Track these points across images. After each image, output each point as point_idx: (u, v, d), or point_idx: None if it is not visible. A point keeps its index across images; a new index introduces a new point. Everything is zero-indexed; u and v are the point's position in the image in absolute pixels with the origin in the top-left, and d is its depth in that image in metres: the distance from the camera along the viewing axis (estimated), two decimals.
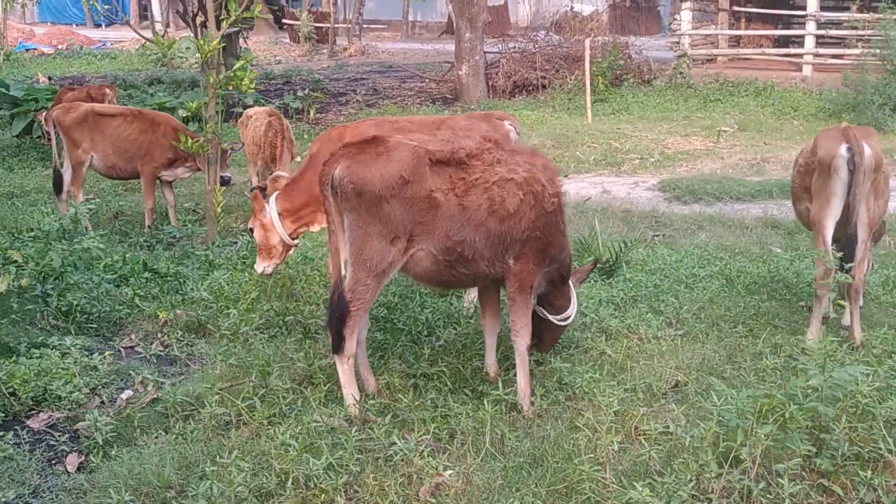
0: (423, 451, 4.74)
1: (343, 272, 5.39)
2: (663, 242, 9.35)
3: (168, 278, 7.98)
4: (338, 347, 5.38)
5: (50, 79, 24.13)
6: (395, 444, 4.74)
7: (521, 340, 5.67)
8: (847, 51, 19.97)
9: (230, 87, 10.19)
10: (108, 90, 15.34)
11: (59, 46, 36.78)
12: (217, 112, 10.21)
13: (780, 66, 21.59)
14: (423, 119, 9.18)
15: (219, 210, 9.95)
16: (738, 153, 14.58)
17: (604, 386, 5.47)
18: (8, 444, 5.08)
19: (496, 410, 5.25)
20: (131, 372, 6.22)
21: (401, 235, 5.30)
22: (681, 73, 21.37)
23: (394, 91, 24.44)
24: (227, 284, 7.66)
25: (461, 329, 6.62)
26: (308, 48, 37.85)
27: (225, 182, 10.36)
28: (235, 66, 10.01)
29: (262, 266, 7.22)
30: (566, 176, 13.66)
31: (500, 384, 5.46)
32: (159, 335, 6.97)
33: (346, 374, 5.44)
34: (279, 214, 7.10)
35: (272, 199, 7.25)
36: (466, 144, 5.56)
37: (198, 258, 8.82)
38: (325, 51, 37.11)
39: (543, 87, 22.54)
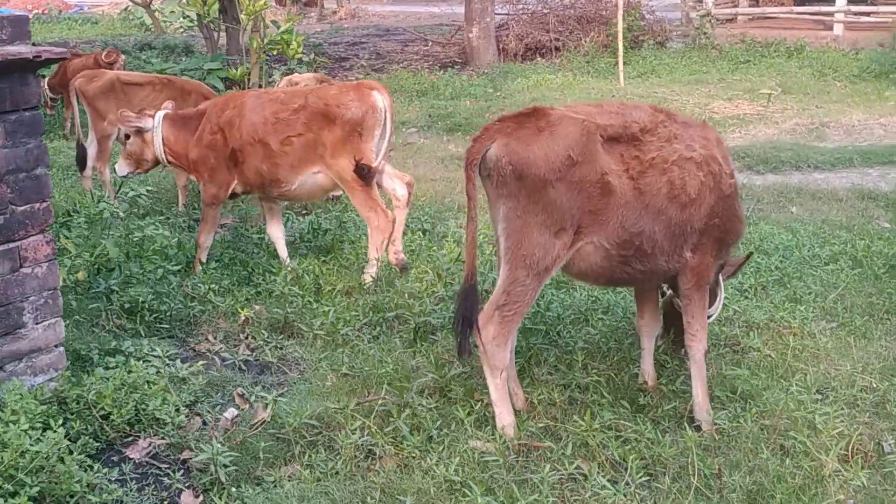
0: (632, 491, 3.92)
1: (474, 266, 4.57)
2: (757, 217, 8.55)
3: (235, 266, 7.07)
4: (463, 350, 4.57)
5: (35, 44, 22.85)
6: (602, 485, 3.92)
7: (698, 345, 4.86)
8: (881, 8, 19.17)
9: (274, 52, 9.26)
10: (117, 56, 14.25)
11: (36, 11, 35.25)
12: (261, 80, 9.30)
13: (805, 26, 20.80)
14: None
15: None
16: (791, 118, 13.78)
17: (792, 396, 4.69)
18: (112, 482, 4.22)
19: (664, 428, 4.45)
20: (225, 384, 5.36)
21: (567, 227, 4.46)
22: (704, 33, 20.52)
23: (398, 55, 23.39)
24: (306, 274, 6.78)
25: (596, 327, 5.79)
26: (295, 11, 36.62)
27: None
28: (281, 29, 9.09)
29: (124, 170, 7.34)
30: None
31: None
32: (242, 336, 6.09)
33: (500, 389, 4.61)
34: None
35: (159, 116, 7.17)
36: (639, 116, 4.73)
37: (254, 242, 7.92)
38: (312, 14, 35.88)
39: (557, 49, 21.62)
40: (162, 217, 8.10)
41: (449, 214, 9.05)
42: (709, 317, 5.34)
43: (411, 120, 15.26)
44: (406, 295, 6.36)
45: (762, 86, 16.09)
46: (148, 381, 5.02)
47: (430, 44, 24.63)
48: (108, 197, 9.58)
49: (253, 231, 8.18)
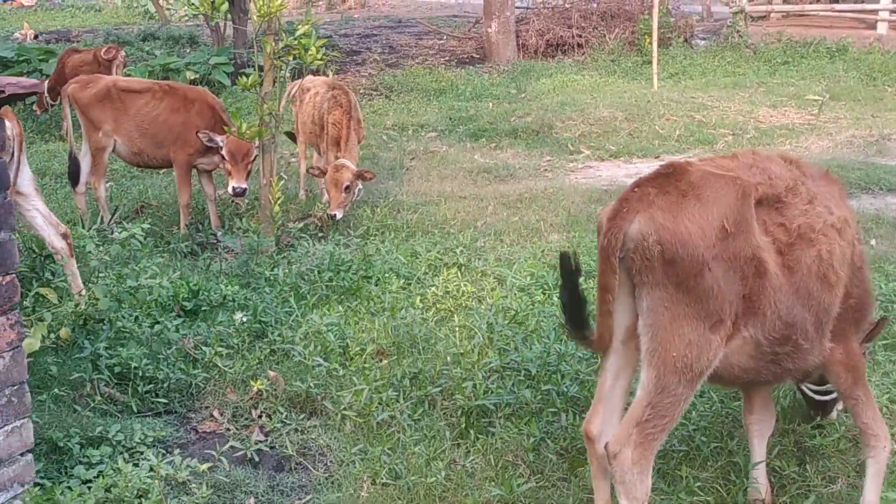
0: None
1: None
2: None
3: (247, 318, 6.02)
4: None
5: (37, 36, 21.83)
6: None
7: (882, 444, 3.96)
8: None
9: (291, 58, 8.19)
10: (117, 52, 13.22)
11: None
12: (275, 88, 8.23)
13: (846, 24, 19.63)
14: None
15: (276, 209, 8.02)
16: (846, 129, 12.69)
17: None
18: None
19: None
20: (235, 488, 4.32)
21: (725, 317, 3.49)
22: (737, 31, 19.40)
23: (412, 49, 22.32)
24: (328, 329, 5.74)
25: (688, 418, 4.75)
26: (303, 0, 35.45)
27: (238, 193, 8.45)
28: (298, 33, 8.00)
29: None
30: (657, 157, 11.82)
31: None
32: (255, 413, 5.05)
33: None
34: None
35: None
36: (778, 171, 3.73)
37: (267, 279, 6.89)
38: (321, 3, 34.70)
39: (580, 46, 20.55)
40: (160, 256, 7.04)
41: (485, 242, 8.02)
42: (830, 392, 4.39)
43: (431, 122, 14.24)
44: (449, 360, 5.32)
45: (807, 91, 15.01)
46: (138, 491, 4.00)
47: (446, 37, 23.54)
48: (103, 217, 8.59)
49: (265, 265, 7.14)
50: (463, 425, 4.69)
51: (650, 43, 18.23)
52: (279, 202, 8.00)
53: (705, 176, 3.52)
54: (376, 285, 6.76)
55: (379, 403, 4.88)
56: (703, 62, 18.24)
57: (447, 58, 21.17)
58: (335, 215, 8.27)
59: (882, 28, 18.41)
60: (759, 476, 4.14)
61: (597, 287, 3.51)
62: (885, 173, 9.89)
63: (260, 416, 5.01)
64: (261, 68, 8.13)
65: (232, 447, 4.69)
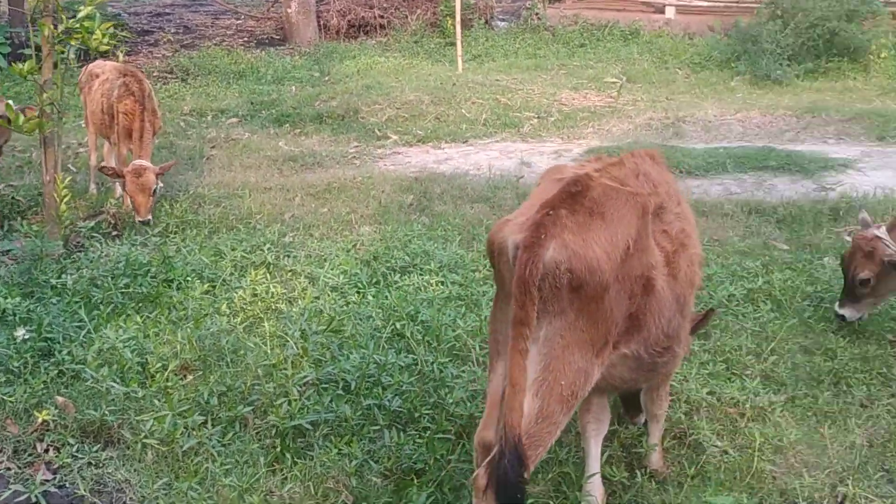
0: None
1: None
2: None
3: (30, 335, 5.38)
4: None
5: None
6: None
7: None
8: None
9: (73, 42, 7.45)
10: None
11: None
12: (56, 76, 7.48)
13: (636, 8, 20.22)
14: None
15: (63, 208, 7.33)
16: (644, 111, 13.00)
17: None
18: None
19: None
20: None
21: (611, 339, 3.34)
22: (536, 13, 19.64)
23: (208, 29, 21.39)
24: (125, 345, 5.20)
25: None
26: None
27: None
28: (81, 15, 7.28)
29: None
30: (465, 142, 11.72)
31: None
32: (39, 447, 4.49)
33: None
34: None
35: None
36: (655, 175, 3.67)
37: (53, 288, 6.23)
38: None
39: (382, 27, 20.26)
40: None
41: (294, 237, 7.62)
42: None
43: (231, 107, 13.59)
44: (261, 374, 4.92)
45: (605, 73, 15.34)
46: None
47: (244, 17, 22.68)
48: None
49: (52, 272, 6.47)
50: (278, 448, 4.31)
51: (453, 24, 18.21)
52: (66, 200, 7.30)
53: (608, 192, 3.32)
54: (178, 290, 6.26)
55: (184, 429, 4.42)
56: (504, 44, 18.35)
57: (246, 38, 20.41)
58: (148, 220, 7.67)
59: (670, 12, 19.07)
60: (595, 485, 4.00)
61: (511, 323, 3.17)
62: (684, 156, 10.14)
63: (46, 451, 4.46)
64: (38, 50, 7.38)
65: (15, 491, 4.13)
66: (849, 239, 6.15)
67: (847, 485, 4.15)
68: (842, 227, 7.71)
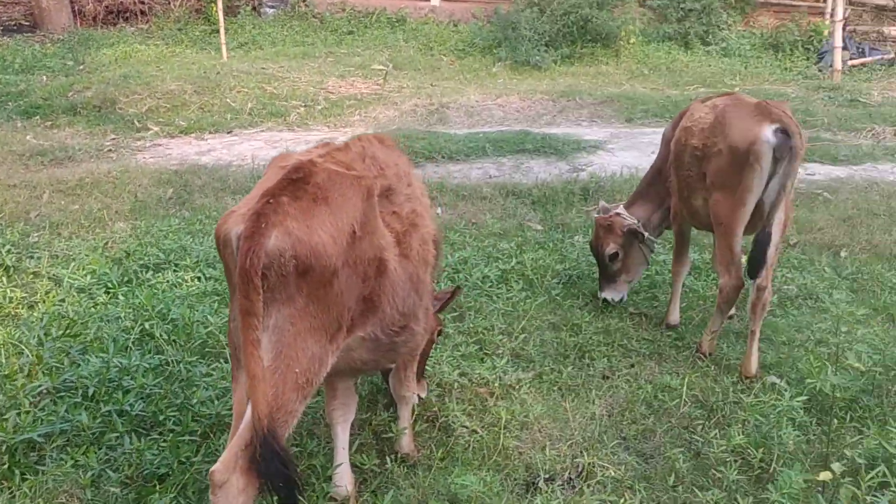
0: None
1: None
2: None
3: None
4: None
5: None
6: None
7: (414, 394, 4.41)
8: None
9: None
10: None
11: None
12: None
13: None
14: None
15: None
16: (410, 98, 13.16)
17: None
18: None
19: None
20: None
21: (344, 323, 3.31)
22: (304, 0, 19.45)
23: None
24: None
25: None
26: None
27: None
28: None
29: None
30: (229, 132, 11.45)
31: None
32: None
33: None
34: None
35: None
36: (383, 157, 3.68)
37: None
38: None
39: (143, 13, 19.48)
40: None
41: (39, 237, 7.18)
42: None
43: None
44: None
45: (372, 61, 15.43)
46: None
47: None
48: None
49: None
50: (6, 465, 4.04)
51: (217, 11, 17.75)
52: None
53: (332, 177, 3.27)
54: None
55: None
56: (272, 31, 18.07)
57: None
58: None
59: (436, 0, 19.41)
60: (343, 474, 3.99)
61: (239, 314, 3.06)
62: (446, 142, 10.34)
63: None
64: None
65: None
66: (599, 205, 6.46)
67: (583, 455, 4.35)
68: (591, 206, 8.10)
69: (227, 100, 12.76)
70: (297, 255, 3.06)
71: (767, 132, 4.84)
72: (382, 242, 3.41)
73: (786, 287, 6.56)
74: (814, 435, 4.41)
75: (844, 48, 16.53)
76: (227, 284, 3.38)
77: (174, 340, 5.06)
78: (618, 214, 6.15)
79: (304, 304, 3.13)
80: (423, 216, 3.76)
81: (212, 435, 4.20)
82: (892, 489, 3.65)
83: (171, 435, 4.14)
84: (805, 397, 4.44)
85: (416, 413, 4.65)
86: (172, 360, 4.83)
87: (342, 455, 3.99)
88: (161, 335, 5.14)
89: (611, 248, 6.09)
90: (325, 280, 3.15)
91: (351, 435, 4.39)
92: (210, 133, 11.40)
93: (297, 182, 3.19)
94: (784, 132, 4.80)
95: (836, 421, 4.44)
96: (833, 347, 4.59)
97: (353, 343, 3.46)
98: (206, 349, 5.10)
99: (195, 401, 4.36)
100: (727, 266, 5.19)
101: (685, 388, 4.93)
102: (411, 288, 3.61)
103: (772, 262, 5.03)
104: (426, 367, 4.86)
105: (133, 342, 5.10)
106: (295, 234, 3.06)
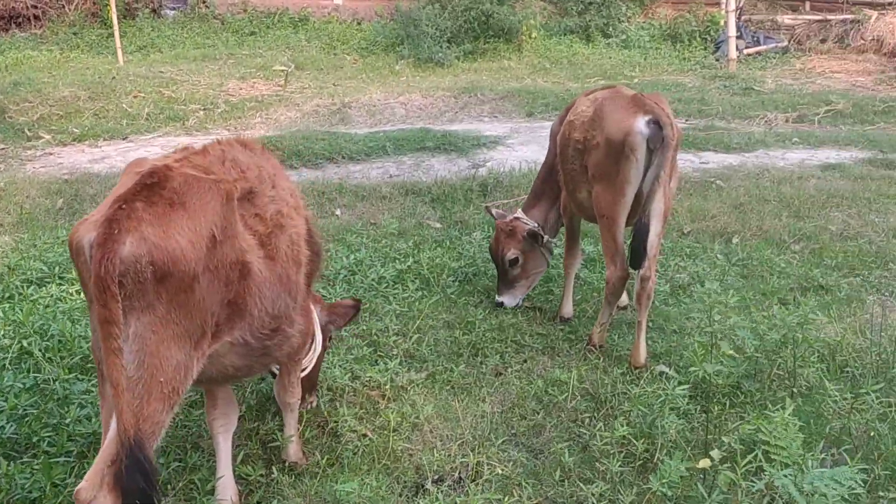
0: None
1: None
2: None
3: None
4: None
5: None
6: None
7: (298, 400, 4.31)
8: None
9: None
10: None
11: None
12: None
13: None
14: None
15: None
16: (312, 98, 13.04)
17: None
18: None
19: None
20: None
21: (208, 329, 3.23)
22: (204, 1, 19.13)
23: None
24: None
25: None
26: None
27: None
28: None
29: None
30: (125, 138, 11.19)
31: None
32: None
33: None
34: None
35: None
36: (244, 160, 3.62)
37: None
38: None
39: (36, 18, 18.94)
40: None
41: None
42: (303, 369, 4.44)
43: None
44: None
45: (275, 61, 15.25)
46: None
47: None
48: None
49: None
50: None
51: (111, 14, 17.34)
52: None
53: (189, 181, 3.18)
54: None
55: None
56: (172, 34, 17.76)
57: None
58: None
59: None
60: (226, 486, 3.91)
61: (98, 324, 2.96)
62: (347, 142, 10.25)
63: None
64: None
65: None
66: (495, 212, 6.46)
67: (472, 454, 4.33)
68: (488, 201, 8.11)
69: (123, 105, 12.47)
70: (153, 261, 2.97)
71: (640, 123, 4.90)
72: (244, 245, 3.34)
73: (678, 276, 6.67)
74: (697, 423, 4.47)
75: (740, 37, 16.93)
76: (84, 295, 3.28)
77: (50, 358, 4.90)
78: (517, 218, 6.17)
79: (164, 310, 3.04)
80: (292, 217, 3.70)
81: (88, 454, 4.06)
82: (767, 474, 3.71)
83: (44, 457, 4.00)
84: (688, 386, 4.49)
85: (305, 420, 4.59)
86: (50, 378, 4.68)
87: (225, 466, 3.91)
88: (39, 352, 4.97)
89: (512, 254, 6.10)
90: (186, 286, 3.07)
91: (237, 445, 4.33)
92: (105, 140, 11.12)
93: (151, 187, 3.11)
94: (656, 123, 4.87)
95: (717, 408, 4.50)
96: (716, 335, 4.65)
97: (223, 349, 3.39)
98: (88, 364, 4.95)
99: (69, 420, 4.22)
100: (612, 257, 5.24)
101: (575, 381, 4.96)
102: (281, 289, 3.55)
103: (654, 252, 5.09)
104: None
105: (10, 361, 4.92)
106: (151, 240, 2.98)
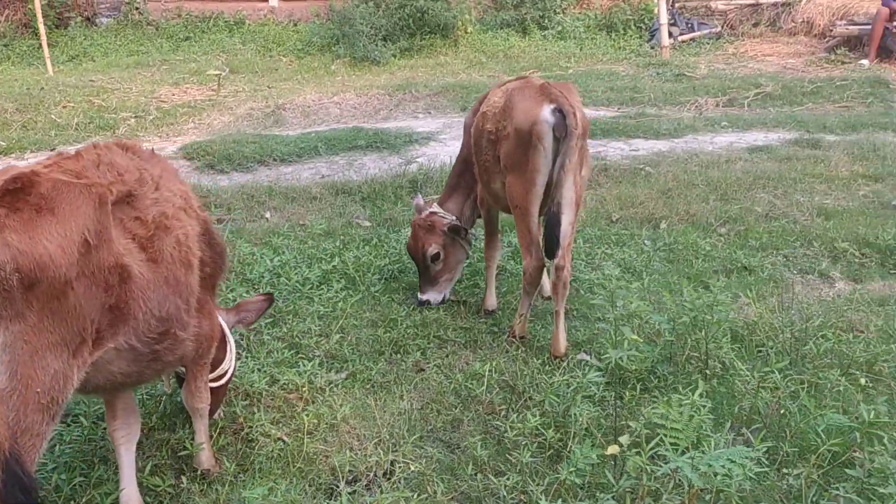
0: None
1: None
2: (233, 234, 7.49)
3: None
4: None
5: None
6: None
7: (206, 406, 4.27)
8: None
9: None
10: None
11: None
12: None
13: None
14: None
15: None
16: (245, 101, 12.93)
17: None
18: None
19: None
20: None
21: (88, 336, 3.14)
22: (136, 8, 18.91)
23: None
24: None
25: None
26: None
27: None
28: None
29: None
30: (52, 149, 10.98)
31: None
32: None
33: None
34: None
35: None
36: (123, 163, 3.56)
37: None
38: None
39: None
40: None
41: None
42: (223, 374, 4.41)
43: None
44: None
45: (209, 66, 15.11)
46: None
47: None
48: None
49: None
50: None
51: (47, 24, 17.08)
52: None
53: (58, 186, 3.10)
54: None
55: None
56: (104, 42, 17.53)
57: None
58: None
59: (274, 0, 19.14)
60: (131, 496, 3.85)
61: None
62: (279, 144, 10.17)
63: None
64: None
65: None
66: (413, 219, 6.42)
67: (388, 453, 4.30)
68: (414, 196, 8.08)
69: (52, 116, 12.26)
70: (19, 268, 2.89)
71: (545, 112, 4.91)
72: (121, 249, 3.27)
73: (604, 263, 6.69)
74: (612, 409, 4.48)
75: (674, 24, 17.07)
76: None
77: None
78: (434, 213, 6.14)
79: (36, 319, 2.97)
80: (179, 218, 3.63)
81: None
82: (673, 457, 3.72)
83: None
84: (602, 373, 4.50)
85: (219, 427, 4.53)
86: None
87: (128, 478, 3.84)
88: None
89: (433, 249, 6.07)
90: (58, 292, 2.99)
91: (147, 456, 4.27)
92: (31, 152, 10.91)
93: (15, 192, 3.03)
94: (560, 111, 4.87)
95: (629, 393, 4.51)
96: (618, 321, 4.67)
97: (108, 356, 3.31)
98: None
99: None
100: (528, 247, 5.25)
101: (492, 373, 4.95)
102: (168, 292, 3.49)
103: (567, 241, 5.09)
104: (234, 378, 4.74)
105: None
106: (15, 246, 2.90)
